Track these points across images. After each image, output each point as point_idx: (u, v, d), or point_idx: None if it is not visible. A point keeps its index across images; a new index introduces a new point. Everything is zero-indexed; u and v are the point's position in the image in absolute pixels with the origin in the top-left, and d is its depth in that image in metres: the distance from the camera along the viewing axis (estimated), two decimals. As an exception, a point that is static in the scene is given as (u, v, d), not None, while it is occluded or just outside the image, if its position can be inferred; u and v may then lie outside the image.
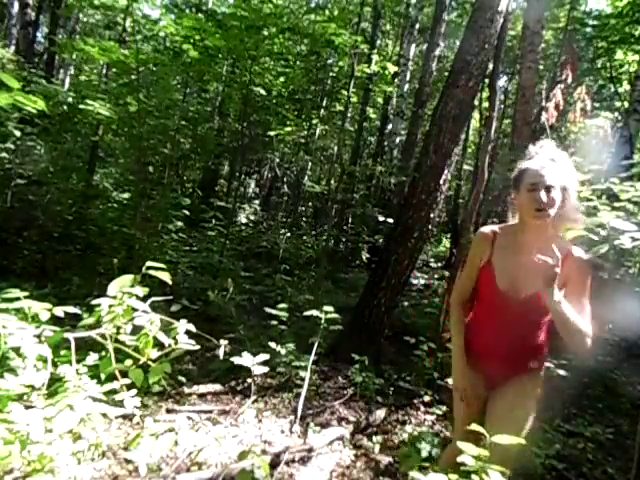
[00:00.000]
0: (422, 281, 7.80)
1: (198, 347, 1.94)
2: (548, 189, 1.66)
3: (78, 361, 2.07)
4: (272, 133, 8.23)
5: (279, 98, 8.83)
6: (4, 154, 6.21)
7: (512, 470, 1.53)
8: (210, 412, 3.08)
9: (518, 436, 1.55)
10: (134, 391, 2.06)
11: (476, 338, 1.87)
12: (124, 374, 1.87)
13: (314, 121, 9.04)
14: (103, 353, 1.91)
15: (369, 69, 7.78)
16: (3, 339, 1.69)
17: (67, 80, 15.23)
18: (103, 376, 1.90)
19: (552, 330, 1.76)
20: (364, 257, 8.78)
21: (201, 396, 3.33)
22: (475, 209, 4.61)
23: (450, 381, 2.94)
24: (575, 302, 1.65)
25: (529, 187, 1.68)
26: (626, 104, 8.09)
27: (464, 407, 1.89)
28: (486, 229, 1.86)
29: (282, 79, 8.11)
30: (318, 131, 9.13)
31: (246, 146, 9.16)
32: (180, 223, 6.51)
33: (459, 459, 1.35)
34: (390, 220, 7.11)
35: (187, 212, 6.56)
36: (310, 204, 12.80)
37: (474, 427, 1.46)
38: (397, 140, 10.62)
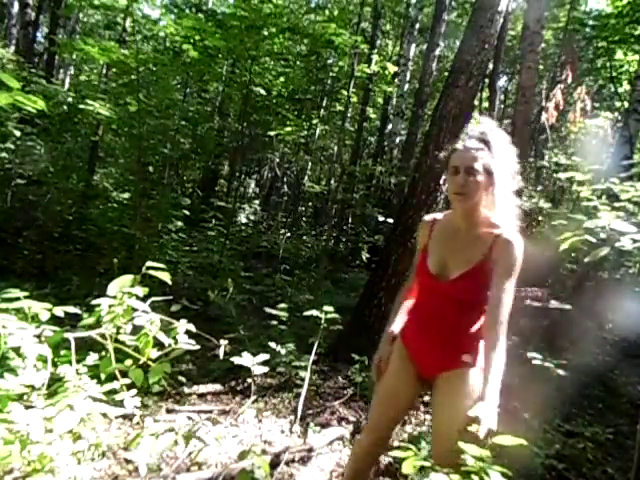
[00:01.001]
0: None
1: (198, 347, 1.94)
2: (469, 172, 1.61)
3: (78, 361, 2.07)
4: (272, 133, 8.23)
5: (279, 98, 8.83)
6: (4, 154, 6.22)
7: (451, 464, 1.41)
8: (210, 412, 3.08)
9: (448, 437, 1.51)
10: (134, 391, 2.06)
11: (413, 328, 1.84)
12: (124, 374, 1.87)
13: (314, 121, 9.04)
14: (103, 353, 1.91)
15: (369, 69, 7.78)
16: (3, 339, 1.69)
17: (67, 80, 15.23)
18: (103, 376, 1.89)
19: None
20: (364, 257, 8.78)
21: (201, 396, 3.33)
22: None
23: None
24: (496, 287, 1.60)
25: (451, 170, 1.65)
26: (626, 104, 8.08)
27: (378, 388, 1.87)
28: (427, 217, 1.86)
29: (282, 79, 8.11)
30: (318, 131, 9.13)
31: (246, 146, 9.16)
32: (180, 223, 6.51)
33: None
34: (390, 220, 7.11)
35: (187, 212, 6.56)
36: (310, 204, 12.80)
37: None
38: (397, 140, 10.62)
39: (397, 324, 1.91)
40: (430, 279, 1.73)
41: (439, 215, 1.84)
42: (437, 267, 1.71)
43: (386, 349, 1.89)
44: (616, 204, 2.63)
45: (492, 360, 1.55)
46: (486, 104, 10.83)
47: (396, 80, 9.76)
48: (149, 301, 1.90)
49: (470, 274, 1.65)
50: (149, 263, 1.89)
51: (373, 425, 1.89)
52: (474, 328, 1.71)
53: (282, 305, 3.89)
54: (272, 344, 3.55)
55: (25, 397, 1.85)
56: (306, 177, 11.22)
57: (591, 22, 8.66)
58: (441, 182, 4.13)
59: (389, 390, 1.84)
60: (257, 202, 12.64)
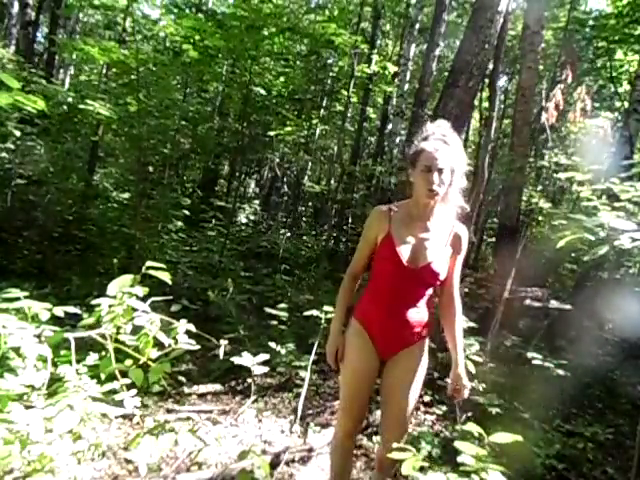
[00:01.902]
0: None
1: (198, 347, 1.94)
2: (440, 171, 1.81)
3: (78, 361, 2.07)
4: (272, 133, 8.22)
5: (279, 98, 8.83)
6: (4, 154, 6.22)
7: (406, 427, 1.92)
8: (210, 412, 3.08)
9: (409, 402, 1.91)
10: (134, 391, 2.06)
11: (372, 308, 1.96)
12: (124, 374, 1.87)
13: (314, 121, 9.03)
14: (103, 353, 1.91)
15: (369, 69, 7.78)
16: (3, 339, 1.69)
17: (67, 80, 15.22)
18: (103, 376, 1.89)
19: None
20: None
21: (201, 396, 3.33)
22: (475, 209, 4.60)
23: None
24: (454, 271, 1.95)
25: (423, 168, 1.83)
26: (626, 104, 8.07)
27: (346, 373, 2.00)
28: (382, 207, 1.98)
29: (282, 79, 8.11)
30: (318, 131, 9.13)
31: (246, 146, 9.16)
32: (180, 223, 6.51)
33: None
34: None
35: (187, 212, 6.55)
36: (310, 204, 12.79)
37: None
38: (397, 140, 10.61)
39: (344, 312, 2.06)
40: (400, 266, 1.87)
41: (393, 206, 1.97)
42: (406, 255, 1.87)
43: (341, 339, 2.02)
44: (616, 204, 2.63)
45: (457, 332, 1.98)
46: (486, 104, 10.83)
47: (396, 80, 9.76)
48: (149, 301, 1.90)
49: (436, 261, 1.88)
50: (149, 263, 1.89)
51: (349, 411, 2.02)
52: (429, 307, 1.99)
53: (282, 305, 3.89)
54: (272, 344, 3.55)
55: (25, 397, 1.84)
56: (306, 177, 11.21)
57: (591, 22, 8.65)
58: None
59: (359, 374, 1.97)
60: (257, 202, 12.64)
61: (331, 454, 2.15)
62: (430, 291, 1.96)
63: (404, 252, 1.87)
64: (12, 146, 6.24)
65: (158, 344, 1.88)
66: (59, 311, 1.98)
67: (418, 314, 1.94)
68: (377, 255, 1.94)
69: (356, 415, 2.03)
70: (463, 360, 1.99)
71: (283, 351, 3.57)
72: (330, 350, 2.03)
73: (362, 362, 1.96)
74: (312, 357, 3.41)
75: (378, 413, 3.30)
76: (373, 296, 1.98)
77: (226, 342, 2.23)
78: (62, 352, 2.10)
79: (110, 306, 1.85)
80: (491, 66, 5.24)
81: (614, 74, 9.06)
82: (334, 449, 2.12)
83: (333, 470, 2.12)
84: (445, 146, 1.83)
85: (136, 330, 1.87)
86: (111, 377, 1.92)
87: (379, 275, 1.96)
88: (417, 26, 10.16)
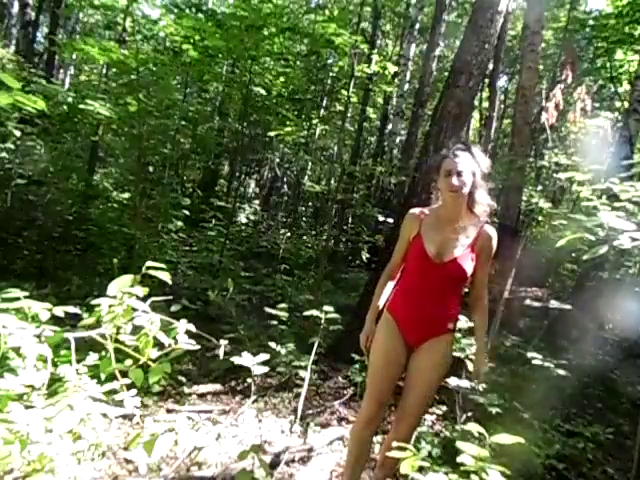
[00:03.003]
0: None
1: (198, 347, 1.94)
2: (459, 173, 1.99)
3: (78, 361, 2.07)
4: (272, 133, 8.22)
5: (279, 98, 8.82)
6: (4, 154, 6.21)
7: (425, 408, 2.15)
8: (210, 412, 3.08)
9: (434, 386, 2.12)
10: (134, 391, 2.06)
11: (401, 302, 2.13)
12: (124, 374, 1.87)
13: (314, 121, 9.03)
14: (103, 353, 1.91)
15: (369, 69, 7.76)
16: (3, 339, 1.69)
17: (67, 80, 15.23)
18: (103, 376, 1.89)
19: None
20: (364, 257, 8.77)
21: (201, 396, 3.33)
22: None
23: (449, 381, 2.95)
24: (481, 270, 2.09)
25: (445, 174, 2.03)
26: (626, 104, 8.08)
27: (374, 361, 2.13)
28: (415, 210, 2.18)
29: (282, 79, 8.09)
30: (318, 131, 9.13)
31: (246, 146, 9.16)
32: (180, 223, 6.50)
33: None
34: (390, 220, 7.10)
35: (187, 212, 6.55)
36: (310, 204, 12.80)
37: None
38: (397, 140, 10.62)
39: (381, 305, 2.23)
40: (428, 262, 2.04)
41: (426, 210, 2.17)
42: (433, 250, 2.04)
43: (373, 327, 2.19)
44: (616, 204, 2.63)
45: (482, 324, 2.17)
46: (486, 104, 10.84)
47: (396, 80, 9.75)
48: (149, 301, 1.90)
49: (461, 257, 2.03)
50: (149, 263, 1.89)
51: (374, 393, 2.14)
52: (457, 302, 2.13)
53: (282, 305, 3.89)
54: (272, 344, 3.54)
55: (25, 397, 1.85)
56: (306, 177, 11.22)
57: (591, 22, 8.65)
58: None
59: (386, 359, 2.11)
60: (257, 202, 12.64)
61: (349, 442, 2.29)
62: (457, 289, 2.11)
63: (431, 248, 2.04)
64: (12, 146, 6.23)
65: (158, 344, 1.88)
66: (59, 311, 1.98)
67: (444, 309, 2.09)
68: (409, 254, 2.14)
69: (380, 398, 2.14)
70: (484, 349, 2.23)
71: (283, 351, 3.57)
72: (362, 337, 2.20)
73: (390, 347, 2.11)
74: (312, 357, 3.40)
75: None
76: (403, 291, 2.15)
77: (226, 342, 2.24)
78: (62, 352, 2.10)
79: (110, 306, 1.85)
80: (491, 66, 5.24)
81: (614, 74, 9.06)
82: (352, 436, 2.24)
83: (347, 459, 2.26)
84: (464, 152, 2.04)
85: (136, 330, 1.87)
86: (111, 377, 1.92)
87: (409, 272, 2.15)
88: (417, 26, 10.16)
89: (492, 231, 2.10)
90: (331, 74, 10.09)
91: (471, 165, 2.02)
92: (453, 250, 2.03)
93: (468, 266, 2.04)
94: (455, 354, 3.08)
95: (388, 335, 2.12)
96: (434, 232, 2.07)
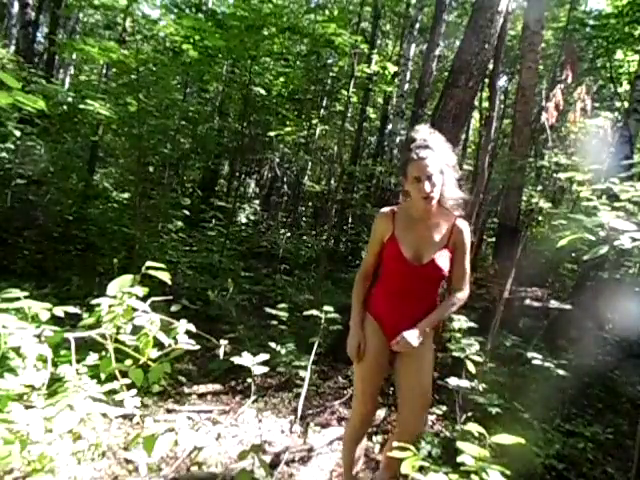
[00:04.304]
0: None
1: (198, 347, 1.94)
2: (429, 178, 1.92)
3: (78, 361, 2.07)
4: (272, 133, 8.22)
5: (279, 98, 8.82)
6: (4, 154, 6.22)
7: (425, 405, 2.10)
8: (210, 412, 3.08)
9: (427, 383, 2.10)
10: (134, 391, 2.06)
11: (384, 305, 2.12)
12: (124, 374, 1.87)
13: (314, 121, 9.03)
14: (103, 353, 1.91)
15: (369, 69, 7.76)
16: (3, 339, 1.69)
17: (67, 80, 15.22)
18: (103, 376, 1.89)
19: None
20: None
21: (201, 396, 3.33)
22: (475, 209, 4.60)
23: (449, 381, 2.95)
24: (459, 263, 2.06)
25: (413, 180, 1.94)
26: (626, 104, 8.07)
27: (363, 365, 2.10)
28: (386, 210, 2.11)
29: (282, 79, 8.10)
30: (318, 131, 9.12)
31: (246, 146, 9.16)
32: (180, 223, 6.51)
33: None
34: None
35: (187, 212, 6.56)
36: (310, 204, 12.79)
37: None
38: (397, 140, 10.60)
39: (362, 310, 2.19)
40: (406, 264, 2.02)
41: (396, 208, 2.11)
42: (411, 253, 2.01)
43: (362, 334, 2.13)
44: (616, 204, 2.63)
45: (444, 308, 2.08)
46: (486, 104, 10.82)
47: (396, 80, 9.75)
48: (149, 301, 1.90)
49: (438, 257, 2.01)
50: (149, 263, 1.89)
51: (364, 395, 2.15)
52: (435, 297, 2.12)
53: (282, 305, 3.89)
54: (272, 344, 3.54)
55: (25, 397, 1.85)
56: (306, 177, 11.21)
57: (591, 22, 8.64)
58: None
59: (373, 362, 2.10)
60: (257, 202, 12.63)
61: (344, 445, 2.30)
62: (437, 286, 2.10)
63: (408, 251, 2.01)
64: (12, 146, 6.24)
65: (158, 344, 1.88)
66: (59, 311, 1.98)
67: (426, 306, 2.07)
68: (384, 255, 2.09)
69: (370, 400, 2.16)
70: (427, 326, 2.03)
71: (283, 351, 3.57)
72: (352, 344, 2.12)
73: (377, 353, 2.09)
74: (312, 357, 3.41)
75: (378, 413, 3.30)
76: (384, 293, 2.13)
77: (226, 342, 2.24)
78: (62, 352, 2.10)
79: (110, 306, 1.85)
80: (491, 66, 5.24)
81: (614, 74, 9.05)
82: (348, 439, 2.25)
83: (345, 461, 2.28)
84: (428, 151, 1.93)
85: (136, 330, 1.87)
86: (111, 377, 1.92)
87: (387, 273, 2.12)
88: (417, 26, 10.15)
89: (464, 224, 2.06)
90: (331, 74, 10.08)
91: (438, 163, 1.94)
92: (430, 251, 2.01)
93: (446, 264, 2.03)
94: (455, 354, 3.10)
95: (375, 337, 2.10)
96: (408, 233, 2.03)
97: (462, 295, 2.10)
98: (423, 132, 2.02)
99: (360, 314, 2.16)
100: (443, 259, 2.02)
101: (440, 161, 1.96)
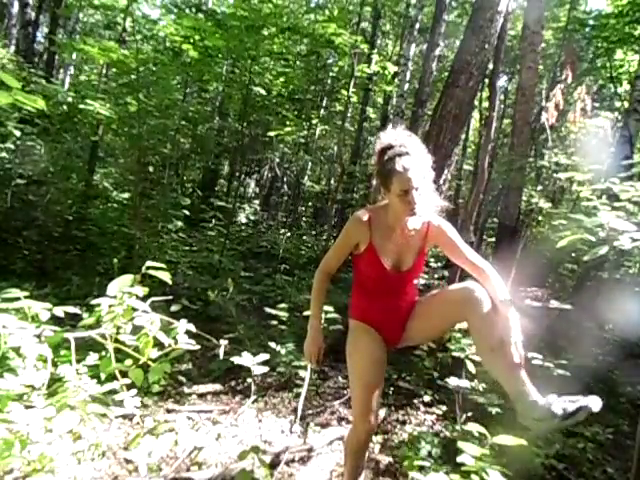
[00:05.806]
0: (422, 281, 7.80)
1: (198, 347, 1.94)
2: (417, 189, 1.82)
3: (78, 361, 2.07)
4: (272, 133, 8.22)
5: (279, 98, 8.83)
6: (4, 154, 6.22)
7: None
8: (210, 412, 3.08)
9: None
10: (134, 391, 2.06)
11: (369, 308, 2.06)
12: (124, 374, 1.87)
13: (314, 121, 9.03)
14: (103, 353, 1.91)
15: (369, 69, 7.77)
16: (3, 339, 1.69)
17: (67, 80, 15.22)
18: (103, 376, 1.90)
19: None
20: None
21: (201, 396, 3.33)
22: (475, 209, 4.61)
23: (449, 381, 2.95)
24: (457, 252, 1.98)
25: (400, 193, 1.83)
26: (626, 104, 8.07)
27: (362, 367, 2.03)
28: (362, 216, 1.97)
29: (282, 79, 8.10)
30: (318, 131, 9.13)
31: (246, 146, 9.16)
32: (180, 223, 6.51)
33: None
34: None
35: (187, 212, 6.55)
36: (310, 204, 12.80)
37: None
38: (397, 140, 10.58)
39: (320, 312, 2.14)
40: (385, 272, 1.98)
41: (370, 213, 1.99)
42: (390, 263, 1.98)
43: (322, 339, 2.09)
44: (616, 204, 2.63)
45: (493, 282, 1.90)
46: (486, 104, 10.82)
47: (396, 80, 9.75)
48: (149, 301, 1.90)
49: (416, 262, 2.01)
50: (149, 263, 1.89)
51: (368, 401, 1.97)
52: (413, 286, 2.11)
53: (282, 305, 3.89)
54: (272, 344, 3.54)
55: (25, 397, 1.84)
56: (306, 177, 11.22)
57: (591, 22, 8.64)
58: (441, 182, 4.13)
59: (374, 364, 2.02)
60: (257, 202, 12.64)
61: (348, 447, 2.12)
62: (414, 281, 2.13)
63: (387, 261, 1.98)
64: (12, 146, 6.24)
65: (158, 344, 1.88)
66: (59, 311, 1.98)
67: (410, 297, 2.09)
68: (362, 261, 2.02)
69: (374, 406, 2.00)
70: (511, 306, 1.84)
71: (283, 351, 3.57)
72: (312, 350, 2.08)
73: (376, 357, 2.02)
74: (312, 357, 3.40)
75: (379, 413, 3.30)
76: (366, 296, 2.09)
77: (226, 342, 2.24)
78: (62, 352, 2.10)
79: (110, 306, 1.85)
80: (491, 66, 5.25)
81: (614, 74, 9.06)
82: (352, 440, 2.07)
83: (348, 463, 2.10)
84: (412, 160, 1.82)
85: (136, 330, 1.87)
86: (111, 377, 1.92)
87: (366, 279, 2.06)
88: (417, 26, 10.14)
89: (438, 219, 1.99)
90: (331, 74, 10.08)
91: (421, 171, 1.84)
92: (409, 258, 1.99)
93: (422, 263, 2.05)
94: (455, 354, 3.10)
95: (370, 337, 2.04)
96: (386, 241, 1.96)
97: (484, 263, 1.96)
98: (400, 136, 1.90)
99: (319, 317, 2.10)
100: (421, 262, 2.04)
101: (423, 167, 1.85)
